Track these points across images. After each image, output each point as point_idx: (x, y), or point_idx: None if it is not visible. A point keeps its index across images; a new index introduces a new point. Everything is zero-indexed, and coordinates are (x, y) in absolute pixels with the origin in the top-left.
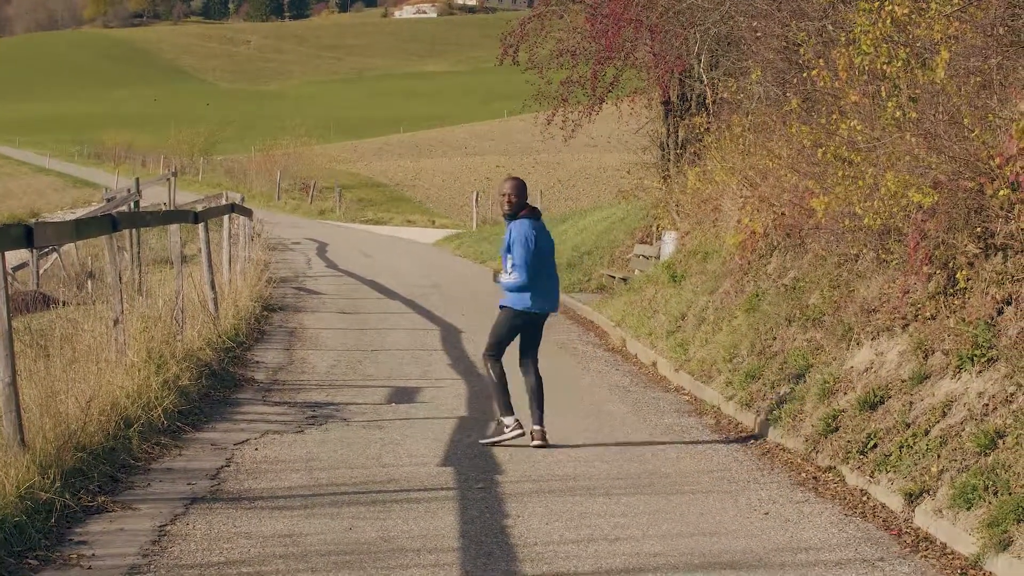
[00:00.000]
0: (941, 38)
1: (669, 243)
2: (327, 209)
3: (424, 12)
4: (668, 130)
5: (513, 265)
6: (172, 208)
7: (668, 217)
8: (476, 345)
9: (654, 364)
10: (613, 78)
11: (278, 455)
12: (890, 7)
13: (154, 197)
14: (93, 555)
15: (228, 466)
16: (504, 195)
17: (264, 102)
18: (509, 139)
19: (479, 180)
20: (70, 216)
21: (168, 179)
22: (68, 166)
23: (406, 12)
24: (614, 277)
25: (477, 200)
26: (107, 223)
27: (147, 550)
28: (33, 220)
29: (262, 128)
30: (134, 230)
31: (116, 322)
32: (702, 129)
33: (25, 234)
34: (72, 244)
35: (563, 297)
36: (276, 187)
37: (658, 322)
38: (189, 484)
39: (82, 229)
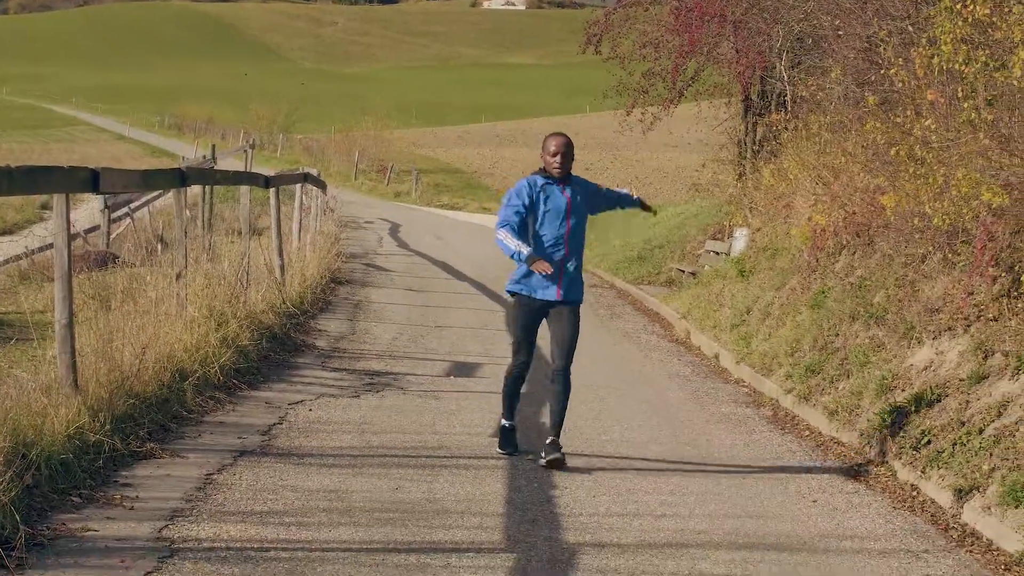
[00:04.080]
0: (1021, 39)
1: (740, 239)
2: (403, 192)
3: (512, 4)
4: (747, 128)
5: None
6: None
7: (741, 214)
8: (542, 327)
9: (716, 356)
10: (694, 73)
11: (331, 417)
12: (972, 7)
13: (230, 168)
14: (137, 497)
15: (280, 424)
16: (559, 153)
17: (347, 84)
18: (589, 134)
19: None
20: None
21: (245, 150)
22: (148, 135)
23: (495, 3)
24: (683, 271)
25: None
26: (175, 176)
27: (191, 496)
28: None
29: (343, 109)
30: (207, 196)
31: (179, 276)
32: (780, 127)
33: (92, 177)
34: (145, 210)
35: (631, 288)
36: (354, 167)
37: (723, 315)
38: (240, 438)
39: (150, 179)
